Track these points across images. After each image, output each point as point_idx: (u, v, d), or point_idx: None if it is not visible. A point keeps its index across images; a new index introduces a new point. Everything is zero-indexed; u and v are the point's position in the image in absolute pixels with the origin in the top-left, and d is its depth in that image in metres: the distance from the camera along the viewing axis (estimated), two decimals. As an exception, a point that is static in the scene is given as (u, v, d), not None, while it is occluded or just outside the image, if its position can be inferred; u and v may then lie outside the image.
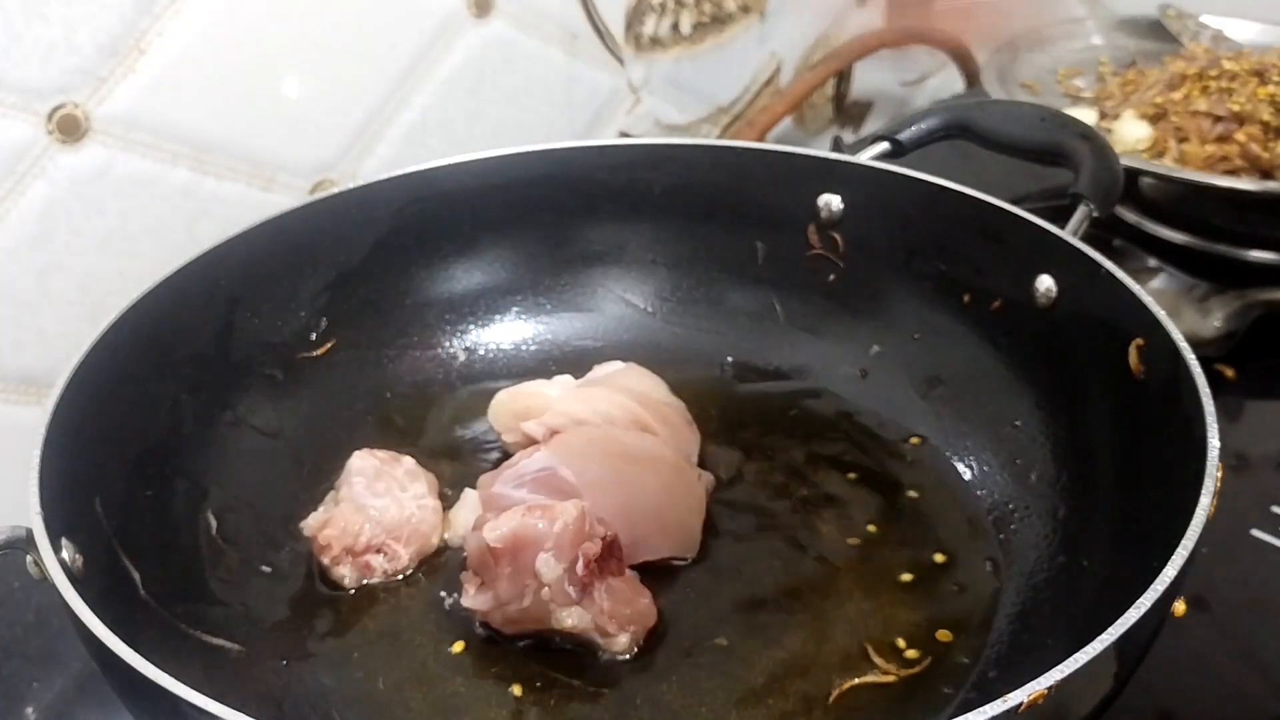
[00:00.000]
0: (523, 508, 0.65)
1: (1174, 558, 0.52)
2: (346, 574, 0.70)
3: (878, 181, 0.83)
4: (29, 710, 0.72)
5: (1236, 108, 1.07)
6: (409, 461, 0.74)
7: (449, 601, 0.68)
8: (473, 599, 0.66)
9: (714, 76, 1.19)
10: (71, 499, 0.61)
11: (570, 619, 0.63)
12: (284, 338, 0.80)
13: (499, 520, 0.64)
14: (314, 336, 0.81)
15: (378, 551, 0.70)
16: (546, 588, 0.63)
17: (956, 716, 0.45)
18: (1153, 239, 1.06)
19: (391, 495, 0.71)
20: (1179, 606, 0.55)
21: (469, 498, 0.74)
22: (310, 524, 0.70)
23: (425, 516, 0.72)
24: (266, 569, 0.71)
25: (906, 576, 0.69)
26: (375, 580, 0.70)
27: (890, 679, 0.63)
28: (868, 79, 1.38)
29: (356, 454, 0.74)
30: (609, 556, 0.65)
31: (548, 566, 0.63)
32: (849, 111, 1.40)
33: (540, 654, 0.65)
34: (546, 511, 0.64)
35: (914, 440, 0.79)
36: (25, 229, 0.79)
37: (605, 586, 0.64)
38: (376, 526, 0.70)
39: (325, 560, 0.69)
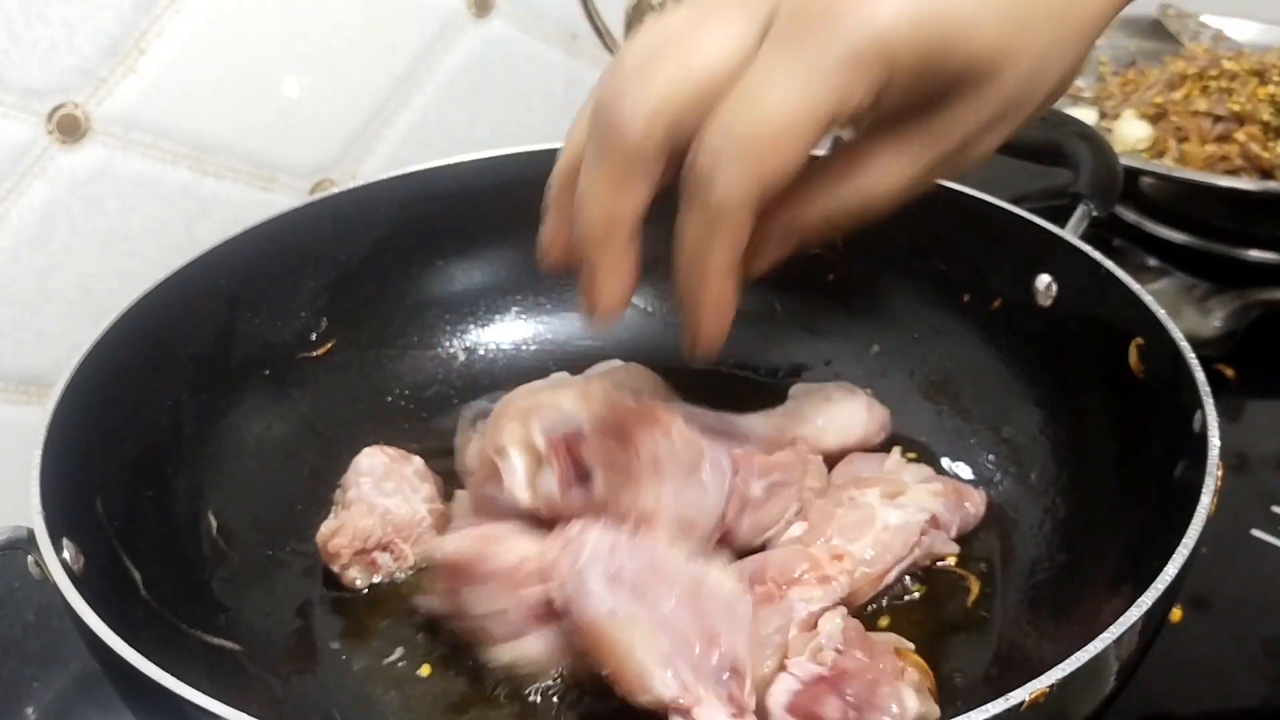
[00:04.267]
0: (473, 532, 0.63)
1: (1174, 557, 0.52)
2: (357, 576, 0.69)
3: (877, 181, 0.83)
4: (29, 710, 0.72)
5: (1236, 108, 1.07)
6: (418, 461, 0.74)
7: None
8: (424, 599, 0.65)
9: (714, 76, 1.19)
10: (72, 499, 0.61)
11: (504, 656, 0.61)
12: (284, 338, 0.80)
13: (448, 538, 0.63)
14: (314, 336, 0.81)
15: (384, 550, 0.70)
16: (486, 617, 0.61)
17: (957, 715, 0.45)
18: (1153, 239, 1.06)
19: (402, 494, 0.71)
20: (1175, 613, 0.55)
21: (461, 499, 0.73)
22: (321, 533, 0.69)
23: (435, 521, 0.71)
24: (267, 569, 0.71)
25: (906, 576, 0.69)
26: (381, 579, 0.70)
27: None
28: (867, 79, 1.38)
29: (366, 451, 0.73)
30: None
31: (483, 602, 0.61)
32: (849, 111, 1.40)
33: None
34: (491, 543, 0.61)
35: (913, 440, 0.79)
36: (25, 229, 0.79)
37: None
38: (386, 526, 0.69)
39: (335, 568, 0.69)
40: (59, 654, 0.74)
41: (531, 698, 0.62)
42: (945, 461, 0.77)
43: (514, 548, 0.61)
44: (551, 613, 0.60)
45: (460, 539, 0.62)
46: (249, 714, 0.45)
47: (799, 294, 0.87)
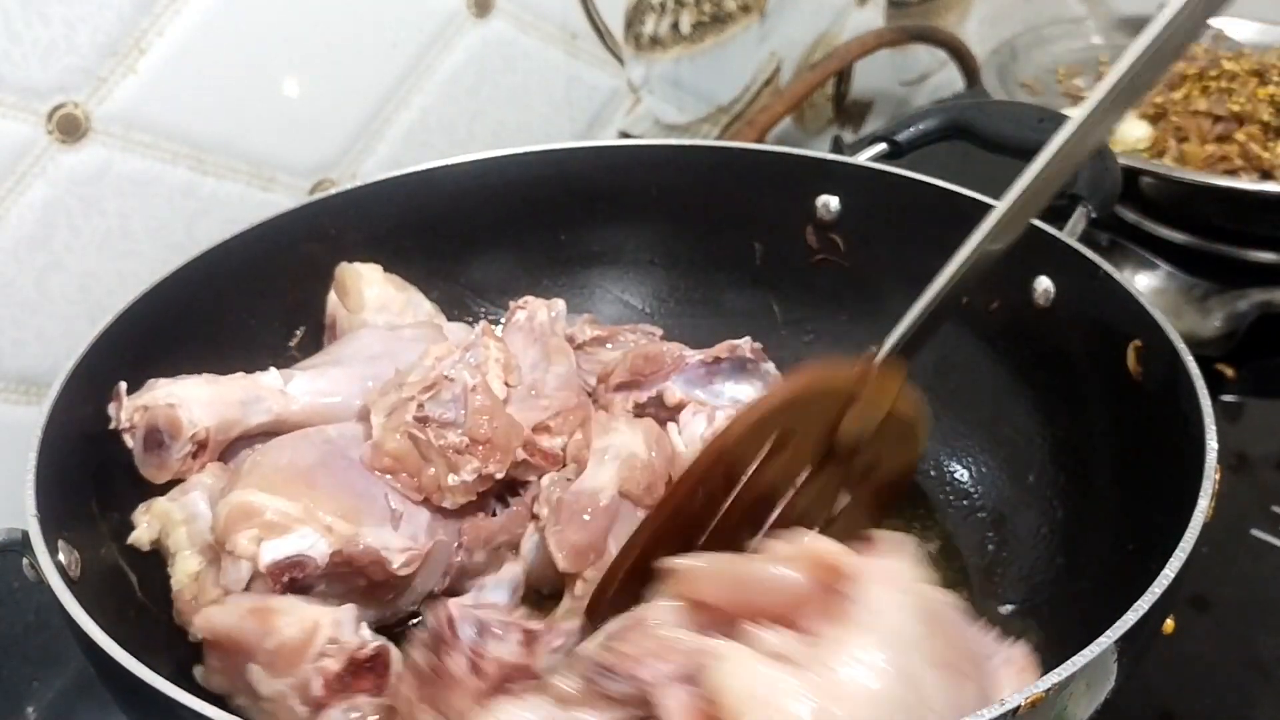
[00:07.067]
0: (247, 604, 0.58)
1: (1172, 559, 0.52)
2: None
3: (875, 182, 0.83)
4: (29, 710, 0.72)
5: (1236, 108, 1.07)
6: None
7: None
8: (201, 673, 0.60)
9: (714, 76, 1.19)
10: (68, 500, 0.61)
11: None
12: (282, 338, 0.80)
13: (215, 611, 0.58)
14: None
15: None
16: (265, 700, 0.56)
17: (956, 719, 0.45)
18: (1153, 239, 1.06)
19: None
20: (1168, 624, 0.55)
21: None
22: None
23: None
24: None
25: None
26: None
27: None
28: (868, 79, 1.38)
29: None
30: (364, 673, 0.55)
31: (260, 680, 0.56)
32: (849, 111, 1.40)
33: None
34: (268, 618, 0.56)
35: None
36: (25, 229, 0.79)
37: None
38: None
39: None
40: (59, 654, 0.74)
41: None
42: (942, 462, 0.77)
43: (297, 618, 0.56)
44: (345, 685, 0.55)
45: (230, 612, 0.57)
46: (241, 718, 0.45)
47: (797, 295, 0.87)
